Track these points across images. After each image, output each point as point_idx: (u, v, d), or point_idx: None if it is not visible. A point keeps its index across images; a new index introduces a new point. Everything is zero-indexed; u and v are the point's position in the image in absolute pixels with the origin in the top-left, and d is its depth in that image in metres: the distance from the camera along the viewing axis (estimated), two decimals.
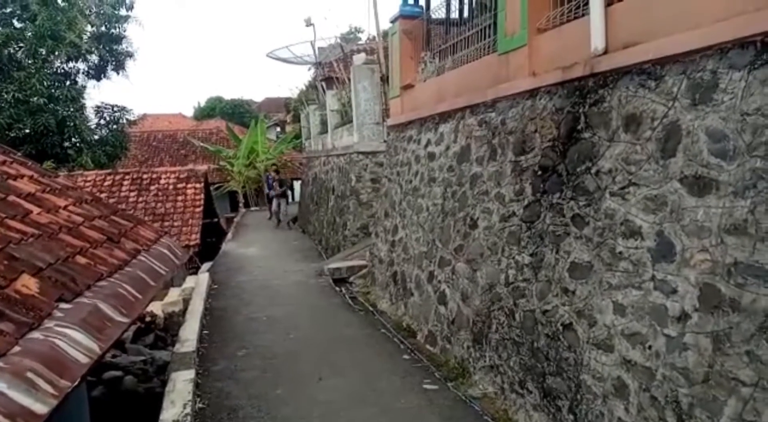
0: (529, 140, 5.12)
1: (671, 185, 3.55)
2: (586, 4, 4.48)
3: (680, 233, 3.44)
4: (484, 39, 6.47)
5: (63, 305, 3.05)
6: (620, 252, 3.88)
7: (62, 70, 19.83)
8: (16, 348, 2.42)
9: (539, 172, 4.91)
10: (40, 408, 2.22)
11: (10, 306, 2.72)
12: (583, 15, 4.59)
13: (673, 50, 3.61)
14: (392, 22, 8.82)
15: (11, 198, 4.39)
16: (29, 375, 2.30)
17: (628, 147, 3.93)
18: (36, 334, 2.62)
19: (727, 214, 3.16)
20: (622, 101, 4.03)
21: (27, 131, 17.97)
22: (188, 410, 4.48)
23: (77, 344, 2.75)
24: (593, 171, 4.23)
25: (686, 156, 3.47)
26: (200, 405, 5.12)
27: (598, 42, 4.25)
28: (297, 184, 31.05)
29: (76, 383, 2.52)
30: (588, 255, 4.19)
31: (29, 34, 18.41)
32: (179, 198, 16.99)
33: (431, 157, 7.42)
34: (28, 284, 3.05)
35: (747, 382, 2.93)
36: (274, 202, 20.57)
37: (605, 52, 4.22)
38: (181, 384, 4.93)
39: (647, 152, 3.77)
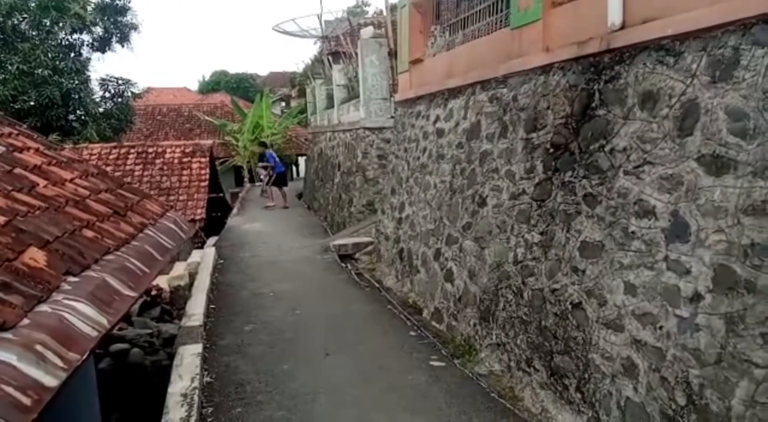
0: (541, 117, 5.04)
1: (688, 164, 3.48)
2: None
3: (696, 213, 3.39)
4: (497, 13, 6.35)
5: (71, 278, 3.03)
6: (633, 232, 3.83)
7: (67, 42, 19.65)
8: (25, 321, 2.40)
9: (551, 150, 4.84)
10: (50, 381, 2.21)
11: (19, 279, 2.70)
12: None
13: (693, 26, 3.52)
14: None
15: (17, 170, 4.35)
16: (38, 347, 2.29)
17: (644, 125, 3.86)
18: (44, 307, 2.60)
19: (745, 195, 3.10)
20: (639, 78, 3.95)
21: (32, 103, 17.87)
22: (196, 384, 4.50)
23: (85, 317, 2.74)
24: (607, 149, 4.16)
25: (704, 135, 3.40)
26: (208, 379, 5.14)
27: (615, 17, 4.15)
28: (302, 160, 31.02)
29: (85, 356, 2.51)
30: (599, 234, 4.14)
31: (33, 4, 18.22)
32: (184, 172, 16.92)
33: (440, 133, 7.34)
34: (36, 257, 3.02)
35: (760, 364, 2.91)
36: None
37: (622, 27, 4.12)
38: (188, 358, 4.95)
39: (663, 130, 3.70)
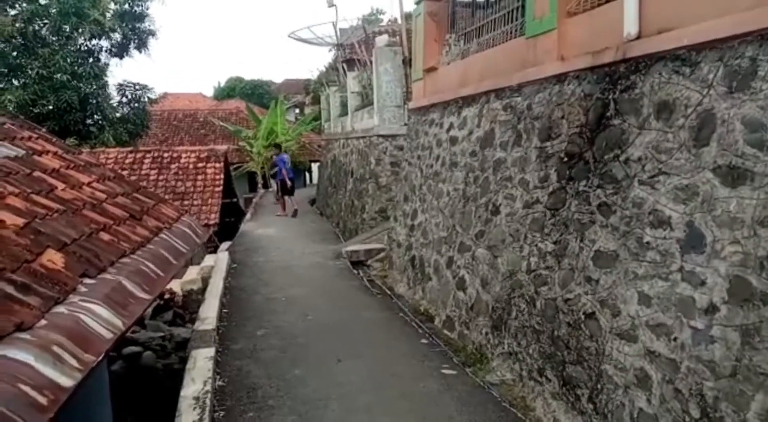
0: (556, 126, 5.03)
1: (703, 175, 3.46)
2: None
3: (711, 224, 3.37)
4: (512, 22, 6.36)
5: (87, 280, 3.08)
6: (647, 242, 3.81)
7: (86, 48, 19.88)
8: (43, 322, 2.44)
9: (565, 159, 4.83)
10: (66, 381, 2.24)
11: (37, 281, 2.74)
12: None
13: (710, 36, 3.51)
14: (417, 3, 8.71)
15: (37, 173, 4.43)
16: (55, 348, 2.32)
17: (660, 135, 3.85)
18: (61, 309, 2.64)
19: (762, 206, 3.08)
20: (655, 88, 3.94)
21: (50, 108, 18.07)
22: (208, 387, 4.53)
23: (101, 319, 2.77)
24: (622, 159, 4.15)
25: (720, 145, 3.38)
26: (220, 383, 5.16)
27: (631, 26, 4.15)
28: (315, 167, 31.13)
29: (101, 358, 2.54)
30: (614, 244, 4.12)
31: (54, 10, 18.47)
32: (199, 177, 17.08)
33: (453, 141, 7.35)
34: (54, 259, 3.07)
35: None
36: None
37: (638, 37, 4.12)
38: (201, 362, 4.98)
39: (679, 141, 3.68)
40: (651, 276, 3.75)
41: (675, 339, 3.50)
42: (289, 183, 17.24)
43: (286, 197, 17.59)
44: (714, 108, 3.46)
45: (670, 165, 3.73)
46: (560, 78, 5.07)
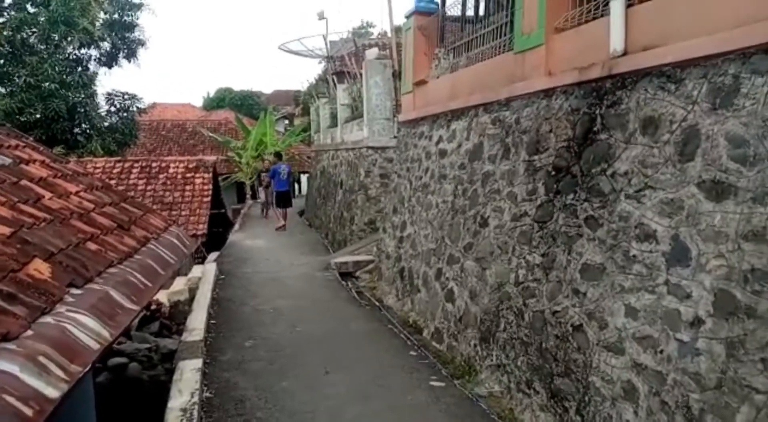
0: (544, 140, 5.08)
1: (688, 189, 3.52)
2: (606, 4, 4.44)
3: (696, 238, 3.41)
4: (500, 37, 6.43)
5: (74, 290, 3.05)
6: (634, 256, 3.85)
7: (74, 57, 19.81)
8: (29, 332, 2.42)
9: (553, 173, 4.88)
10: (52, 392, 2.22)
11: (23, 290, 2.72)
12: (602, 15, 4.55)
13: (694, 53, 3.58)
14: (407, 17, 8.79)
15: (24, 182, 4.39)
16: (41, 359, 2.30)
17: (645, 150, 3.90)
18: (48, 319, 2.62)
19: (745, 220, 3.13)
20: (641, 103, 4.00)
21: (38, 116, 17.97)
22: (195, 399, 4.49)
23: (88, 330, 2.75)
24: (608, 173, 4.20)
25: (705, 160, 3.44)
26: (207, 395, 5.12)
27: (617, 43, 4.22)
28: (304, 178, 31.13)
29: (87, 369, 2.52)
30: (601, 257, 4.16)
31: (42, 19, 18.40)
32: (187, 187, 17.01)
33: (442, 153, 7.40)
34: (40, 268, 3.05)
35: (761, 389, 2.91)
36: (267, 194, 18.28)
37: (624, 53, 4.19)
38: (188, 373, 4.94)
39: (665, 155, 3.74)
40: (637, 289, 3.78)
41: (661, 351, 3.54)
42: (271, 195, 17.02)
43: (279, 209, 16.97)
44: (698, 124, 3.52)
45: (655, 179, 3.78)
46: (548, 93, 5.14)
